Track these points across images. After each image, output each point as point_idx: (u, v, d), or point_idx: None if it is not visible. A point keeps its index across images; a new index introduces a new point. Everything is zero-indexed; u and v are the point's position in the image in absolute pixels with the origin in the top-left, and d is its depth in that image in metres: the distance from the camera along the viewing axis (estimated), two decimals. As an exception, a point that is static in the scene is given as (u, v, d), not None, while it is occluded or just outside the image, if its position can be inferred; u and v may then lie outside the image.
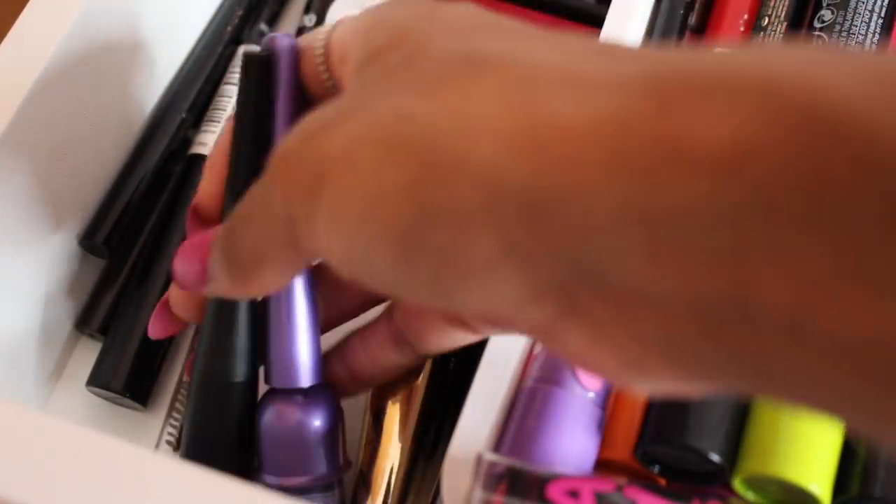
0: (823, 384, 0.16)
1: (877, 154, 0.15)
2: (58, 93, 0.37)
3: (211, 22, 0.46)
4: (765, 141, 0.16)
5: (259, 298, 0.33)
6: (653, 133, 0.17)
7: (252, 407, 0.34)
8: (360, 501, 0.36)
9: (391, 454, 0.36)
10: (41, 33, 0.36)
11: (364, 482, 0.36)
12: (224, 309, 0.33)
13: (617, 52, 0.20)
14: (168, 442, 0.40)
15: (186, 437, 0.34)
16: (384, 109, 0.21)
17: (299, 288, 0.32)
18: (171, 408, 0.41)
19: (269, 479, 0.33)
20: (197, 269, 0.28)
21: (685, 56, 0.19)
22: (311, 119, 0.23)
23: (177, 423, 0.40)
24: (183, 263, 0.29)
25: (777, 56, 0.18)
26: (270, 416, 0.33)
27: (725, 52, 0.18)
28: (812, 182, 0.15)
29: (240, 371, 0.33)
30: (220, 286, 0.28)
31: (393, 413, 0.37)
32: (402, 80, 0.22)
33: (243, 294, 0.30)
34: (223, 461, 0.33)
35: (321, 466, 0.33)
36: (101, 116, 0.40)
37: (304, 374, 0.32)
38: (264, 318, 0.32)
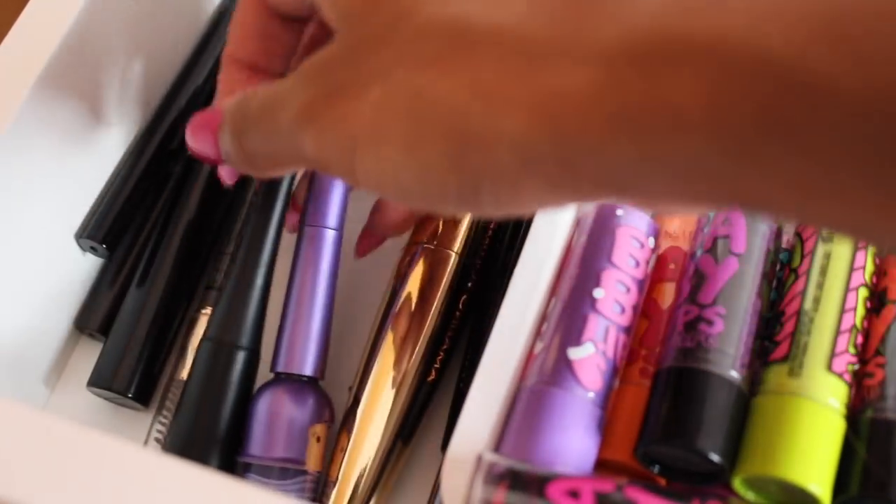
0: (831, 227, 0.21)
1: (823, 93, 0.18)
2: (58, 93, 0.37)
3: (211, 22, 0.46)
4: (732, 98, 0.19)
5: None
6: (642, 101, 0.20)
7: (251, 379, 0.37)
8: (328, 495, 0.37)
9: (364, 453, 0.37)
10: (41, 33, 0.36)
11: (332, 485, 0.38)
12: (243, 279, 0.37)
13: (581, 6, 0.22)
14: (157, 440, 0.40)
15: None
16: (399, 84, 0.24)
17: (322, 287, 0.37)
18: (161, 406, 0.40)
19: (253, 450, 0.36)
20: (210, 145, 0.30)
21: (646, 16, 0.21)
22: (327, 71, 0.26)
23: (165, 422, 0.40)
24: (195, 140, 0.31)
25: (728, 8, 0.20)
26: (271, 396, 0.36)
27: (682, 5, 0.20)
28: (775, 124, 0.19)
29: (245, 341, 0.37)
30: (234, 164, 0.30)
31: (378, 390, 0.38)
32: (402, 48, 0.24)
33: (254, 175, 0.33)
34: (216, 427, 0.36)
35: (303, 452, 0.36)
36: (101, 116, 0.40)
37: (311, 365, 0.37)
38: (286, 306, 0.37)
